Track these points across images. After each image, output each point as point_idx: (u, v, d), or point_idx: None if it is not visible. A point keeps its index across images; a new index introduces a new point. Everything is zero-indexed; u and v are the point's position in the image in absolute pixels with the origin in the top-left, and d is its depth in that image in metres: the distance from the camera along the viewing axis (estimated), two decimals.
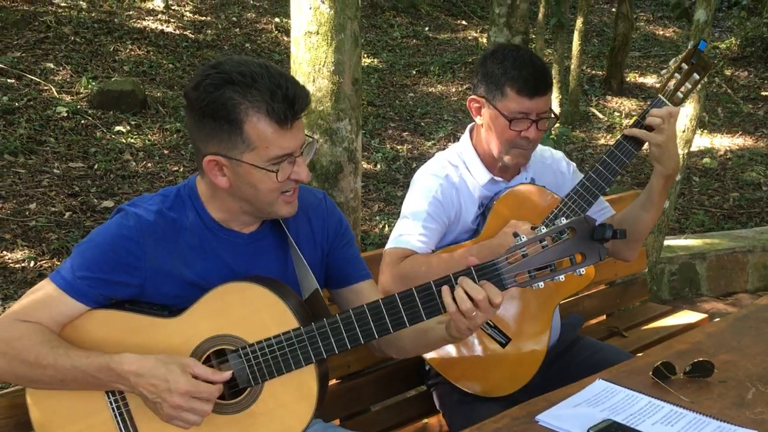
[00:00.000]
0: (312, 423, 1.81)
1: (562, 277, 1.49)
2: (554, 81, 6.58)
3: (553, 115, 2.19)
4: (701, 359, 1.84)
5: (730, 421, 1.62)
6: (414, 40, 10.20)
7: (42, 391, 1.52)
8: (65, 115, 6.21)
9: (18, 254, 4.39)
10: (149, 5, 9.14)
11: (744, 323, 2.22)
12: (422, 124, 7.69)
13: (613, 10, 10.59)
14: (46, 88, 6.57)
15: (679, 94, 2.12)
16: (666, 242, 4.83)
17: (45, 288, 1.52)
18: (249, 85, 1.44)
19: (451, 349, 2.15)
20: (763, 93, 9.68)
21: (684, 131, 4.22)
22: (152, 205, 1.57)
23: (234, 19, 9.48)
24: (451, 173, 2.21)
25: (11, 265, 4.28)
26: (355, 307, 1.53)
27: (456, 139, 2.36)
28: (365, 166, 6.51)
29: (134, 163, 5.77)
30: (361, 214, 5.55)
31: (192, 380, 1.44)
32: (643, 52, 11.00)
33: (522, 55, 2.12)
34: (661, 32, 12.04)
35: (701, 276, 4.95)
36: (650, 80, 9.96)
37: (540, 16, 7.61)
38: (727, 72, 10.24)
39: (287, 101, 1.45)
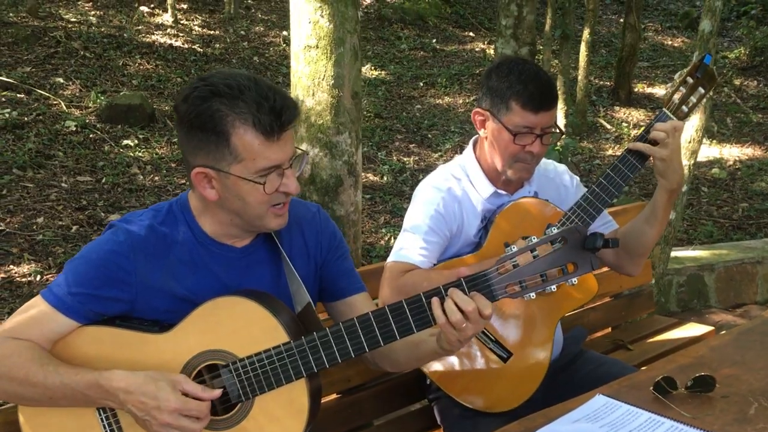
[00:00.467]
0: None
1: (553, 287, 1.47)
2: (559, 92, 6.57)
3: (557, 130, 2.18)
4: (703, 374, 1.81)
5: None
6: (421, 52, 10.23)
7: (34, 408, 1.52)
8: (74, 129, 6.26)
9: (24, 268, 4.41)
10: (158, 20, 9.22)
11: (748, 337, 2.19)
12: (429, 136, 7.69)
13: (621, 20, 10.58)
14: (55, 102, 6.62)
15: (684, 108, 2.11)
16: (674, 253, 4.79)
17: (36, 305, 1.52)
18: (236, 97, 1.44)
19: (452, 364, 2.13)
20: None
21: (690, 142, 4.19)
22: (143, 221, 1.57)
23: (242, 32, 9.55)
24: (454, 186, 2.20)
25: (18, 279, 4.30)
26: (345, 320, 1.52)
27: (463, 151, 2.35)
28: (371, 178, 6.51)
29: (142, 177, 5.80)
30: (368, 226, 5.56)
31: (181, 398, 1.44)
32: (652, 63, 10.97)
33: (528, 69, 2.11)
34: (670, 42, 12.01)
35: (710, 287, 4.90)
36: (658, 90, 9.93)
37: (547, 27, 7.61)
38: (737, 82, 10.20)
39: (274, 113, 1.45)
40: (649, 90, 9.98)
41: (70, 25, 8.37)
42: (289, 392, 1.52)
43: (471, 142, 2.28)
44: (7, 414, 1.65)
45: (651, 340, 3.08)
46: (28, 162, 5.61)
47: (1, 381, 1.46)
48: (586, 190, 2.22)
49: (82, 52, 7.75)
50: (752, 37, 10.94)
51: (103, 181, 5.60)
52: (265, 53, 9.04)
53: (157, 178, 5.83)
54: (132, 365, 1.48)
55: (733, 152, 8.15)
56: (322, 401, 2.30)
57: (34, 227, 4.85)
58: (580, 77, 8.05)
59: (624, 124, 8.69)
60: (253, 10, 10.47)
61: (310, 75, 2.66)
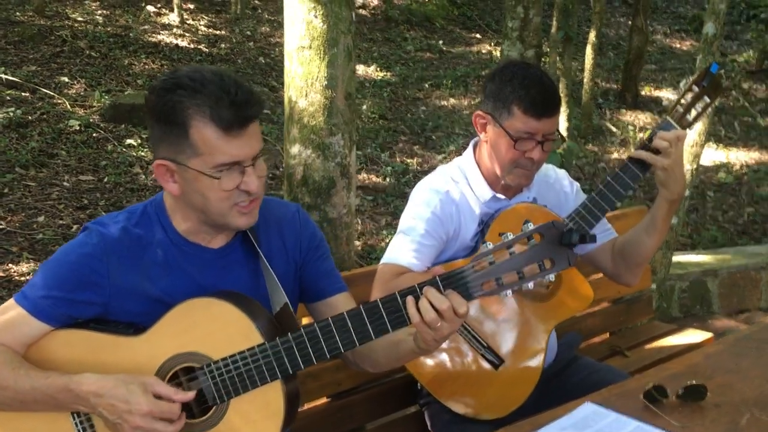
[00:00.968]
0: None
1: (531, 285, 1.45)
2: (562, 95, 6.53)
3: (559, 137, 2.15)
4: (695, 382, 1.79)
5: None
6: (427, 54, 10.20)
7: (6, 413, 1.50)
8: (77, 128, 6.26)
9: (24, 267, 4.41)
10: (164, 20, 9.23)
11: (745, 344, 2.16)
12: (433, 137, 7.66)
13: (629, 23, 10.52)
14: (59, 101, 6.63)
15: (688, 117, 2.08)
16: (677, 258, 4.75)
17: (10, 309, 1.51)
18: (197, 90, 1.43)
19: (442, 368, 2.11)
20: None
21: (693, 146, 4.15)
22: (117, 223, 1.56)
23: (248, 33, 9.55)
24: (452, 189, 2.18)
25: (16, 278, 4.30)
26: (320, 321, 1.51)
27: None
28: (374, 179, 6.49)
29: (143, 176, 5.80)
30: (369, 228, 5.54)
31: (153, 400, 1.42)
32: (659, 66, 10.91)
33: (532, 73, 2.08)
34: (678, 45, 11.94)
35: (713, 293, 4.86)
36: (666, 94, 9.87)
37: (553, 29, 7.57)
38: (745, 85, 10.13)
39: (234, 107, 1.42)
40: (656, 93, 9.92)
41: (76, 25, 8.38)
42: (265, 394, 1.50)
43: (471, 144, 2.26)
44: None
45: (649, 346, 3.04)
46: (31, 161, 5.61)
47: None
48: (586, 197, 2.19)
49: (87, 52, 7.76)
50: (761, 41, 10.86)
51: (105, 180, 5.61)
52: (271, 54, 9.03)
53: None
54: (105, 369, 1.47)
55: (739, 156, 8.09)
56: (311, 405, 2.30)
57: (35, 226, 4.85)
58: (585, 80, 8.00)
59: (630, 128, 8.64)
60: (259, 11, 10.47)
61: (303, 76, 2.64)
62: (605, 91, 9.74)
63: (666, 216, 2.10)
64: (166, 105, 1.45)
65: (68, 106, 6.56)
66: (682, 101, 2.07)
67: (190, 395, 1.47)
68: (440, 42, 10.65)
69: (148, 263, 1.55)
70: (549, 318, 2.18)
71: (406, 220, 2.16)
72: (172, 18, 9.22)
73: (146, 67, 7.83)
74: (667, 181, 2.01)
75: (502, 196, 2.19)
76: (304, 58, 2.64)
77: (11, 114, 6.17)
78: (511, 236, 1.44)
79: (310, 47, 2.62)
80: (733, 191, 7.14)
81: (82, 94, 6.93)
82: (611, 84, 10.02)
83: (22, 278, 4.30)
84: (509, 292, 1.45)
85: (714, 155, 7.93)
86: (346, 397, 2.32)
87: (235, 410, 1.51)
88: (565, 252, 1.42)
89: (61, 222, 4.95)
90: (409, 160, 7.02)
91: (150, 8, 9.35)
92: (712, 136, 7.76)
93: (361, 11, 11.01)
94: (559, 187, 2.33)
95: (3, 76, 6.68)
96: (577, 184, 2.38)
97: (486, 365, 2.11)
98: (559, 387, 2.26)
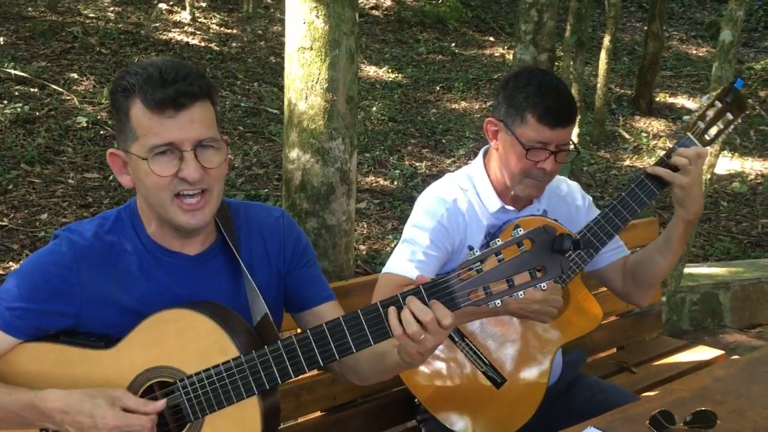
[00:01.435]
0: None
1: (521, 294, 1.35)
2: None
3: (573, 148, 2.06)
4: (704, 408, 1.70)
5: None
6: (440, 56, 10.13)
7: None
8: (85, 125, 6.23)
9: None
10: (176, 17, 9.21)
11: (756, 368, 2.07)
12: (443, 141, 7.58)
13: (645, 28, 10.40)
14: (68, 98, 6.61)
15: (710, 134, 1.99)
16: (688, 270, 4.65)
17: None
18: (135, 73, 1.40)
19: (441, 385, 2.03)
20: None
21: (708, 155, 4.05)
22: (89, 230, 1.49)
23: (260, 32, 9.51)
24: (460, 198, 2.09)
25: None
26: (298, 333, 1.43)
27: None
28: (381, 182, 6.42)
29: None
30: (375, 231, 5.47)
31: (120, 414, 1.35)
32: (675, 72, 10.78)
33: (548, 81, 1.99)
34: (694, 51, 11.80)
35: (724, 306, 4.75)
36: (680, 100, 9.74)
37: (567, 33, 7.47)
38: (762, 93, 9.97)
39: (166, 86, 1.36)
40: (671, 100, 9.80)
41: (88, 21, 8.37)
42: (241, 411, 1.43)
43: (481, 151, 2.17)
44: None
45: (657, 363, 2.95)
46: (37, 157, 5.59)
47: None
48: (599, 212, 2.11)
49: (98, 48, 7.74)
50: None
51: (111, 178, 5.57)
52: (282, 53, 8.97)
53: None
54: (76, 383, 1.40)
55: (755, 166, 7.96)
56: (305, 419, 2.22)
57: (37, 224, 4.82)
58: (599, 85, 7.90)
59: (643, 135, 8.52)
60: (272, 10, 10.43)
61: (303, 78, 2.56)
62: (619, 96, 9.63)
63: (682, 236, 2.01)
64: (114, 92, 1.42)
65: (76, 103, 6.54)
66: (704, 118, 1.98)
67: (160, 404, 1.39)
68: (453, 44, 10.57)
69: (122, 271, 1.48)
70: (555, 337, 2.10)
71: (410, 229, 2.08)
72: (184, 16, 9.20)
73: None
74: (684, 201, 1.92)
75: (511, 208, 2.10)
76: (305, 59, 2.56)
77: (19, 109, 6.15)
78: (500, 242, 1.34)
79: (311, 48, 2.54)
80: (747, 201, 7.02)
81: (91, 90, 6.91)
82: (625, 90, 9.90)
83: None
84: (498, 302, 1.35)
85: (728, 164, 7.80)
86: (341, 411, 2.25)
87: (210, 428, 1.44)
88: (557, 259, 1.33)
89: (64, 220, 4.91)
90: (417, 164, 6.94)
91: (162, 5, 9.33)
92: (726, 144, 7.63)
93: (374, 12, 10.96)
94: (570, 200, 2.24)
95: (12, 71, 6.67)
96: (589, 198, 2.28)
97: (487, 383, 2.03)
98: (563, 407, 2.18)
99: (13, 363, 1.46)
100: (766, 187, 7.33)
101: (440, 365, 2.05)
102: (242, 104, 7.39)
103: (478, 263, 1.33)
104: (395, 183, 6.42)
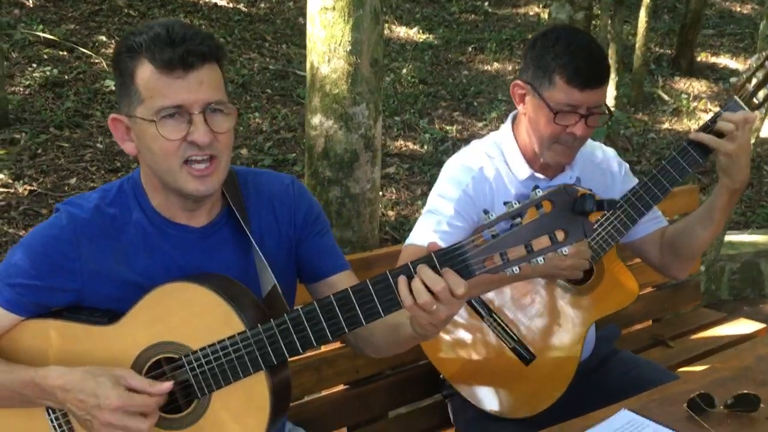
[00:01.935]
0: None
1: (541, 260, 1.25)
2: (612, 62, 6.20)
3: (606, 111, 1.93)
4: (746, 391, 1.61)
5: None
6: (472, 15, 9.87)
7: None
8: (113, 88, 6.20)
9: None
10: None
11: None
12: (475, 103, 7.41)
13: None
14: (96, 61, 6.57)
15: (758, 98, 1.86)
16: (728, 237, 4.49)
17: None
18: (141, 33, 1.35)
19: (467, 362, 1.96)
20: None
21: None
22: (89, 202, 1.44)
23: None
24: (486, 165, 1.99)
25: None
26: (305, 305, 1.36)
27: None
28: (411, 146, 6.30)
29: None
30: (404, 197, 5.38)
31: (124, 393, 1.30)
32: (717, 30, 10.38)
33: (578, 39, 1.86)
34: (738, 9, 11.33)
35: (765, 276, 4.59)
36: (723, 60, 9.39)
37: None
38: None
39: (174, 45, 1.31)
40: (713, 60, 9.45)
41: None
42: (248, 387, 1.37)
43: (510, 117, 2.06)
44: None
45: (695, 336, 2.84)
46: (65, 121, 5.58)
47: None
48: (636, 181, 1.99)
49: (126, 10, 7.67)
50: None
51: None
52: None
53: None
54: (80, 361, 1.36)
55: None
56: (328, 392, 2.18)
57: (66, 188, 4.82)
58: (638, 45, 7.62)
59: (683, 96, 8.24)
60: None
61: (325, 40, 2.45)
62: (658, 56, 9.30)
63: (725, 207, 1.89)
64: (119, 54, 1.37)
65: (105, 66, 6.50)
66: (753, 80, 1.84)
67: (167, 385, 1.34)
68: (486, 3, 10.29)
69: (125, 245, 1.43)
70: (588, 313, 2.00)
71: (434, 198, 1.99)
72: None
73: None
74: (730, 169, 1.81)
75: (541, 176, 1.99)
76: (327, 20, 2.44)
77: (48, 73, 6.14)
78: (517, 204, 1.24)
79: (334, 8, 2.43)
80: None
81: None
82: (665, 49, 9.56)
83: None
84: (516, 269, 1.26)
85: None
86: (365, 385, 2.20)
87: (218, 404, 1.39)
88: (579, 221, 1.22)
89: (92, 185, 4.90)
90: (448, 127, 6.80)
91: None
92: None
93: None
94: (606, 167, 2.12)
95: (41, 34, 6.65)
96: (626, 166, 2.16)
97: (515, 360, 1.95)
98: (595, 384, 2.09)
99: (17, 340, 1.42)
100: None
101: (466, 341, 1.97)
102: (270, 67, 7.29)
103: (494, 228, 1.24)
104: (425, 147, 6.30)
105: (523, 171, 1.98)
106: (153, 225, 1.45)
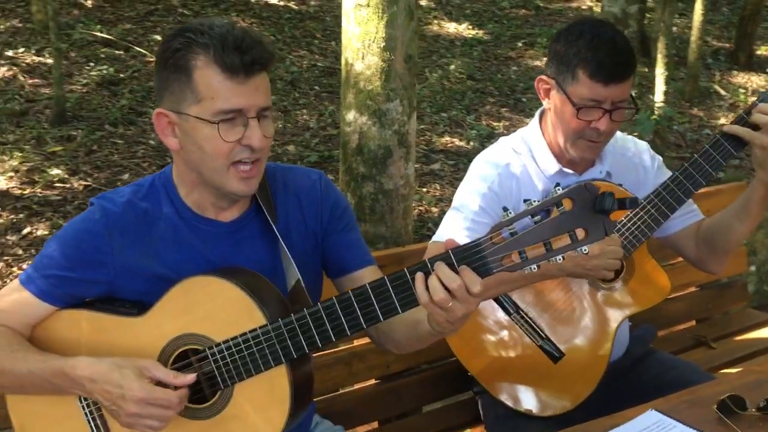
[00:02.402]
0: (312, 427, 1.69)
1: (560, 258, 1.23)
2: (660, 55, 6.03)
3: (632, 105, 1.90)
4: None
5: None
6: (523, 10, 9.77)
7: (19, 395, 1.48)
8: None
9: None
10: None
11: None
12: (523, 99, 7.34)
13: None
14: (151, 59, 6.75)
15: None
16: None
17: (14, 288, 1.47)
18: (203, 32, 1.36)
19: (494, 359, 1.96)
20: None
21: None
22: (122, 197, 1.48)
23: None
24: (513, 161, 1.97)
25: None
26: (324, 300, 1.38)
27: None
28: (457, 142, 6.28)
29: None
30: (447, 194, 5.37)
31: (147, 386, 1.35)
32: None
33: (603, 32, 1.83)
34: None
35: None
36: None
37: None
38: None
39: (240, 51, 1.34)
40: None
41: None
42: (270, 380, 1.40)
43: (538, 112, 2.04)
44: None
45: (739, 338, 2.76)
46: (120, 118, 5.75)
47: None
48: (670, 174, 1.96)
49: (180, 10, 7.86)
50: None
51: None
52: None
53: None
54: (110, 351, 1.41)
55: None
56: (359, 386, 2.20)
57: (119, 183, 4.97)
58: (693, 38, 7.41)
59: (741, 91, 7.99)
60: None
61: (360, 36, 2.47)
62: (716, 50, 9.04)
63: (762, 201, 1.85)
64: (170, 48, 1.38)
65: None
66: None
67: (190, 378, 1.38)
68: None
69: (155, 239, 1.47)
70: (618, 309, 1.97)
71: (460, 195, 1.98)
72: None
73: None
74: (765, 162, 1.77)
75: (570, 171, 1.97)
76: (362, 17, 2.46)
77: (104, 72, 6.34)
78: (536, 202, 1.23)
79: (368, 5, 2.44)
80: None
81: None
82: (723, 43, 9.28)
83: None
84: (535, 267, 1.25)
85: None
86: (396, 380, 2.22)
87: (241, 395, 1.43)
88: (600, 220, 1.20)
89: None
90: (495, 124, 6.75)
91: None
92: None
93: None
94: (638, 161, 2.08)
95: (99, 34, 6.86)
96: (659, 159, 2.12)
97: (544, 358, 1.94)
98: (629, 384, 2.06)
99: (50, 329, 1.48)
100: None
101: (493, 338, 1.97)
102: (319, 64, 7.36)
103: (513, 225, 1.24)
104: (471, 143, 6.28)
105: (552, 166, 1.96)
106: (183, 219, 1.49)
